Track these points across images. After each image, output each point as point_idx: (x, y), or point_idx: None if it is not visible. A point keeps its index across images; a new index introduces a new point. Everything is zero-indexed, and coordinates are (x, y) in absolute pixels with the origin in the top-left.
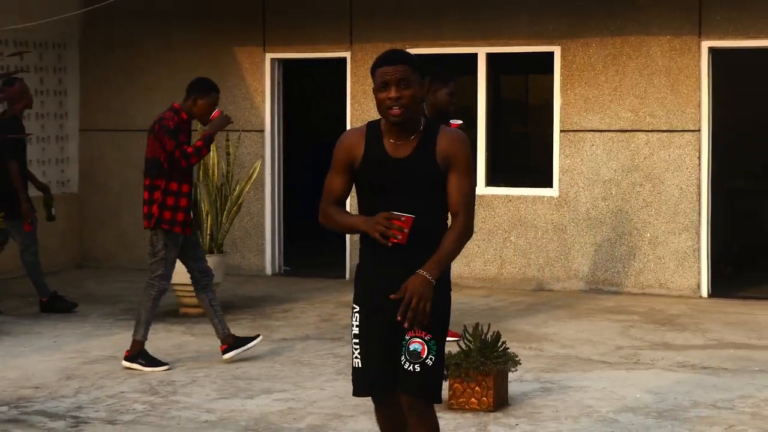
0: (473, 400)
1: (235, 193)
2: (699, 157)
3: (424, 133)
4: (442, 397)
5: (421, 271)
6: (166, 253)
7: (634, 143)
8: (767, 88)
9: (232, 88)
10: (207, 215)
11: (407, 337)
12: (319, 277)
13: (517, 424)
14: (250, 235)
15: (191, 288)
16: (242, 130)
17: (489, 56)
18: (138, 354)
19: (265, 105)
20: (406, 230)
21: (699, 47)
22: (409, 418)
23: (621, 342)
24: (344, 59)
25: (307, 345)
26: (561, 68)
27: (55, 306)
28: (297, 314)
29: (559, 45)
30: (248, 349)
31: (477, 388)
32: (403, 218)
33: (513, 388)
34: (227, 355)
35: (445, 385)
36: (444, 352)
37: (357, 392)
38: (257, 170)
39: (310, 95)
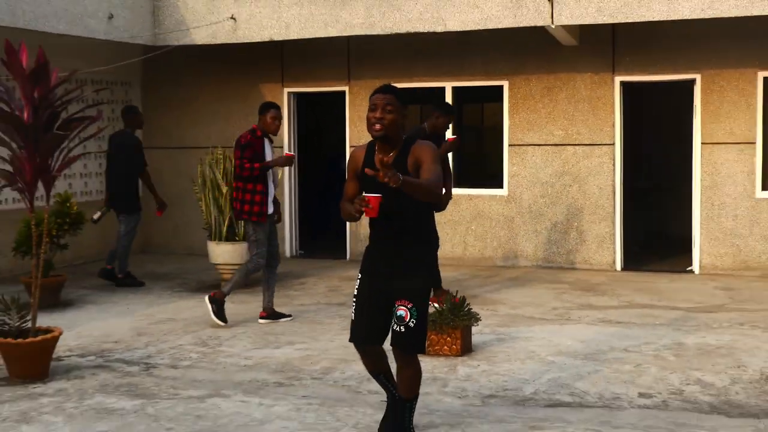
0: (445, 347)
1: None
2: (613, 164)
3: (402, 148)
4: None
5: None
6: (257, 237)
7: (564, 154)
8: (664, 111)
9: (256, 115)
10: None
11: (396, 305)
12: (327, 258)
13: (478, 365)
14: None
15: (230, 266)
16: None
17: (454, 89)
18: (217, 301)
19: (284, 128)
20: (371, 205)
21: (613, 81)
22: (397, 362)
23: (556, 304)
24: (344, 92)
25: (319, 309)
26: (509, 98)
27: (128, 282)
28: (310, 286)
29: (507, 80)
30: (278, 321)
31: (448, 338)
32: (367, 198)
33: (475, 338)
34: (262, 321)
35: None
36: (425, 316)
37: (351, 339)
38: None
39: (318, 121)
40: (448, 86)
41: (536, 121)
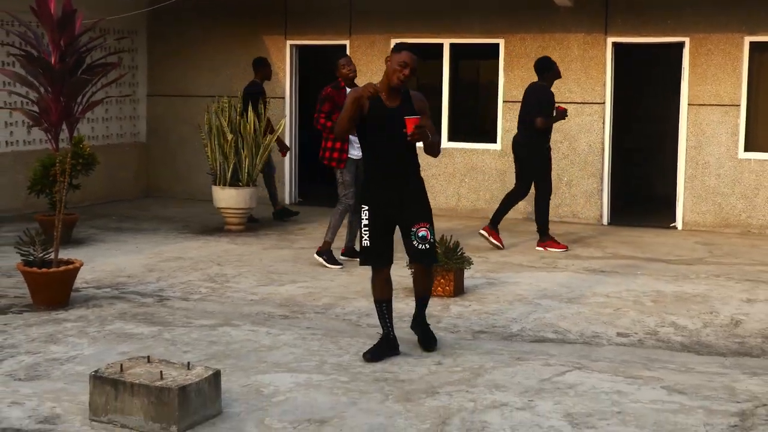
0: (440, 289)
1: (265, 142)
2: (603, 123)
3: (405, 95)
4: None
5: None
6: (342, 180)
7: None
8: (654, 73)
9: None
10: (245, 158)
11: (414, 228)
12: (324, 206)
13: (469, 305)
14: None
15: (233, 210)
16: (270, 98)
17: (452, 46)
18: (325, 252)
19: (285, 79)
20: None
21: (605, 42)
22: (418, 275)
23: (544, 254)
24: (344, 45)
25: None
26: (504, 56)
27: (284, 213)
28: (310, 231)
29: (503, 38)
30: (353, 259)
31: (442, 280)
32: (410, 119)
33: (467, 282)
34: (343, 257)
35: None
36: (434, 234)
37: (365, 262)
38: (282, 126)
39: (319, 73)
40: (446, 43)
41: (530, 79)
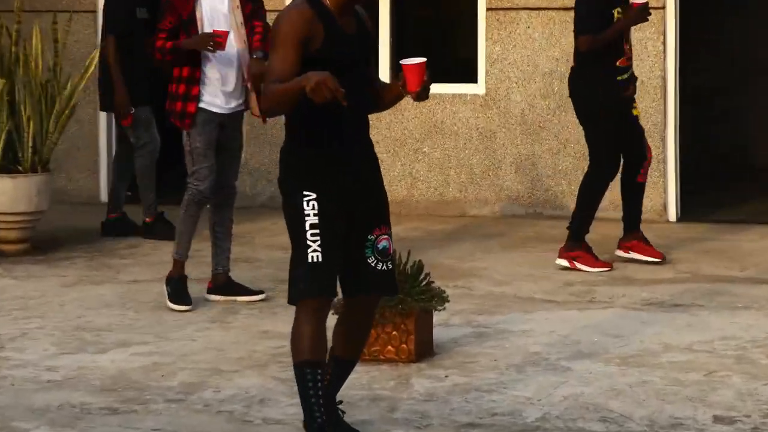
0: (390, 347)
1: (66, 92)
2: (664, 42)
3: (354, 12)
4: None
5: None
6: (191, 148)
7: None
8: None
9: None
10: (29, 121)
11: (372, 237)
12: (173, 204)
13: (446, 376)
14: (78, 149)
15: (9, 217)
16: (72, 11)
17: None
18: (170, 281)
19: None
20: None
21: None
22: (361, 319)
23: (570, 276)
24: None
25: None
26: None
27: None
28: (147, 250)
29: None
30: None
31: (394, 332)
32: (416, 65)
33: (438, 333)
34: (212, 297)
35: None
36: None
37: (312, 293)
38: (94, 61)
39: None
40: None
41: None
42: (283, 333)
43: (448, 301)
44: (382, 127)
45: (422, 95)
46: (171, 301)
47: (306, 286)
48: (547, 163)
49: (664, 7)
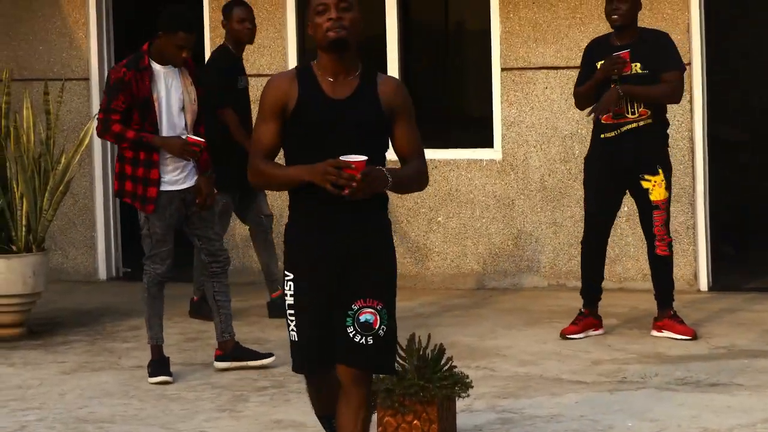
0: None
1: (60, 166)
2: (691, 101)
3: (363, 75)
4: None
5: (380, 168)
6: (149, 231)
7: None
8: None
9: (43, 21)
10: (22, 198)
11: (355, 307)
12: (174, 281)
13: None
14: (74, 225)
15: (4, 302)
16: (64, 79)
17: None
18: (151, 362)
19: (90, 42)
20: (358, 177)
21: None
22: (348, 390)
23: (599, 354)
24: None
25: (172, 373)
26: None
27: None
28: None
29: None
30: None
31: (416, 422)
32: (353, 164)
33: (462, 420)
34: (220, 364)
35: (374, 418)
36: (395, 316)
37: (295, 368)
38: (89, 133)
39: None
40: None
41: (551, 26)
42: (297, 422)
43: (472, 387)
44: (394, 195)
45: (358, 194)
46: (151, 376)
47: (293, 362)
48: (569, 231)
49: (689, 64)
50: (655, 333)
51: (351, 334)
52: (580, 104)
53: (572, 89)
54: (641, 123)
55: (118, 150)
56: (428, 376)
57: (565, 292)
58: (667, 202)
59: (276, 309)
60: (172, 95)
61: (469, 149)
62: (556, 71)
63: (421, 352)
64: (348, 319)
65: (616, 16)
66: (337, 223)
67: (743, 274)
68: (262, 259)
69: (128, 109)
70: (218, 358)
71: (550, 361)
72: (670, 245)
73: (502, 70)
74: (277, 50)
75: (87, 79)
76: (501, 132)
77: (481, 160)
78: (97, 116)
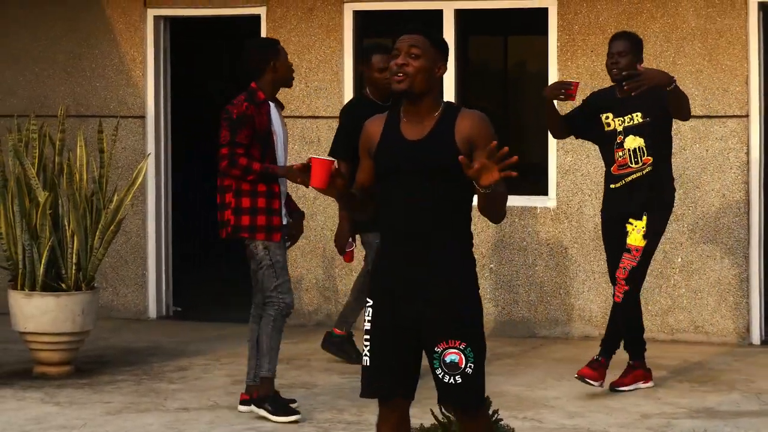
0: None
1: (113, 205)
2: (748, 153)
3: (442, 114)
4: None
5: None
6: (272, 261)
7: None
8: None
9: (101, 58)
10: (73, 237)
11: (439, 349)
12: (224, 321)
13: None
14: (126, 263)
15: (51, 338)
16: (118, 117)
17: (458, 13)
18: (266, 398)
19: (146, 81)
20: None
21: (746, 2)
22: (460, 423)
23: (648, 408)
24: (258, 17)
25: (216, 417)
26: (558, 30)
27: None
28: (198, 374)
29: None
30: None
31: None
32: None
33: None
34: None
35: None
36: (483, 354)
37: (363, 393)
38: (143, 172)
39: (212, 68)
40: (448, 8)
41: (608, 74)
42: None
43: None
44: None
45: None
46: (278, 415)
47: (361, 387)
48: None
49: (747, 116)
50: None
51: (440, 375)
52: (554, 133)
53: None
54: (645, 171)
55: (235, 185)
56: None
57: None
58: (643, 251)
59: (330, 343)
60: (281, 129)
61: (524, 196)
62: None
63: None
64: (435, 361)
65: (615, 70)
66: (415, 262)
67: None
68: (352, 297)
69: (250, 143)
70: (244, 402)
71: (599, 414)
72: (626, 294)
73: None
74: (333, 93)
75: (143, 117)
76: (556, 179)
77: (535, 207)
78: (219, 152)
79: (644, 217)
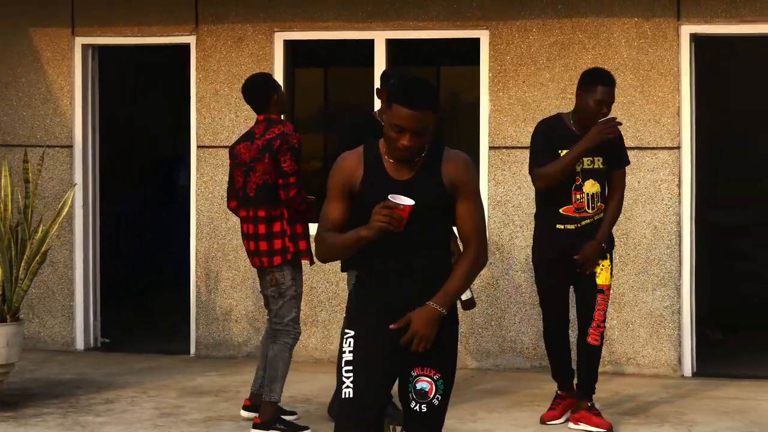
0: None
1: (38, 236)
2: (679, 185)
3: (428, 154)
4: None
5: (430, 303)
6: (288, 285)
7: None
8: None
9: (28, 87)
10: None
11: (414, 374)
12: (153, 353)
13: None
14: (53, 293)
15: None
16: (45, 146)
17: (389, 43)
18: (273, 419)
19: (74, 110)
20: (405, 218)
21: (678, 33)
22: None
23: None
24: (187, 46)
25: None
26: (490, 60)
27: None
28: (125, 406)
29: (486, 29)
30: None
31: None
32: (402, 206)
33: None
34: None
35: None
36: (451, 388)
37: (347, 426)
38: (68, 203)
39: (139, 96)
40: (379, 38)
41: (540, 105)
42: None
43: None
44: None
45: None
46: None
47: (340, 421)
48: None
49: (679, 147)
50: (571, 425)
51: (408, 401)
52: (553, 182)
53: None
54: (596, 218)
55: (288, 213)
56: None
57: (548, 374)
58: (609, 289)
59: None
60: None
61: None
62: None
63: None
64: (409, 385)
65: (600, 118)
66: (404, 296)
67: (729, 360)
68: None
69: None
70: (247, 408)
71: None
72: (602, 336)
73: (490, 148)
74: None
75: (70, 147)
76: (488, 211)
77: None
78: (287, 180)
79: (608, 256)
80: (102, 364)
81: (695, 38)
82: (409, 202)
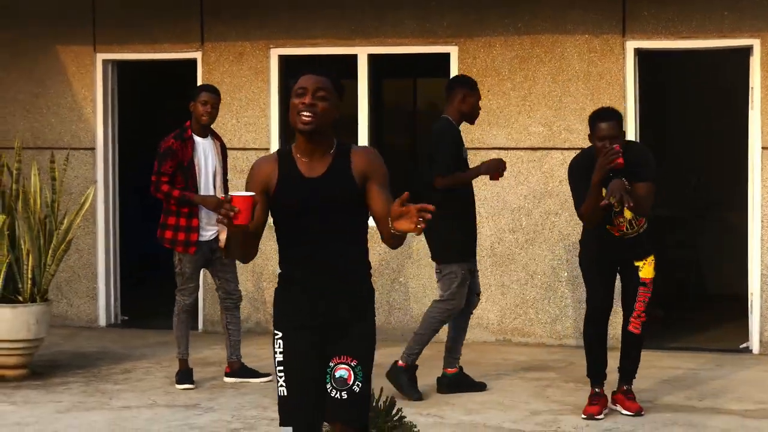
0: None
1: (63, 226)
2: None
3: (337, 152)
4: None
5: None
6: (180, 270)
7: (547, 164)
8: (702, 96)
9: (56, 97)
10: (28, 255)
11: (332, 364)
12: (167, 329)
13: None
14: (78, 277)
15: (8, 344)
16: (70, 149)
17: (371, 58)
18: (178, 372)
19: (96, 117)
20: (242, 210)
21: (623, 48)
22: None
23: (537, 405)
24: (194, 61)
25: (155, 414)
26: (459, 72)
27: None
28: (140, 375)
29: (455, 45)
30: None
31: None
32: (230, 197)
33: None
34: (229, 379)
35: None
36: (371, 376)
37: (284, 422)
38: (90, 198)
39: (153, 105)
40: (362, 53)
41: (503, 111)
42: None
43: None
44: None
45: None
46: (177, 383)
47: (281, 416)
48: (515, 293)
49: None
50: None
51: (329, 390)
52: (592, 219)
53: (520, 168)
54: (641, 230)
55: (165, 205)
56: (380, 425)
57: (511, 347)
58: (652, 282)
59: (445, 385)
60: (208, 161)
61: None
62: (506, 151)
63: (374, 403)
64: (327, 376)
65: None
66: (323, 288)
67: (669, 333)
68: (452, 334)
69: (174, 172)
70: (227, 375)
71: (494, 411)
72: (643, 325)
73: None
74: (261, 127)
75: (93, 149)
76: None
77: None
78: (150, 178)
79: (651, 253)
80: (121, 339)
81: (638, 52)
82: (246, 194)
